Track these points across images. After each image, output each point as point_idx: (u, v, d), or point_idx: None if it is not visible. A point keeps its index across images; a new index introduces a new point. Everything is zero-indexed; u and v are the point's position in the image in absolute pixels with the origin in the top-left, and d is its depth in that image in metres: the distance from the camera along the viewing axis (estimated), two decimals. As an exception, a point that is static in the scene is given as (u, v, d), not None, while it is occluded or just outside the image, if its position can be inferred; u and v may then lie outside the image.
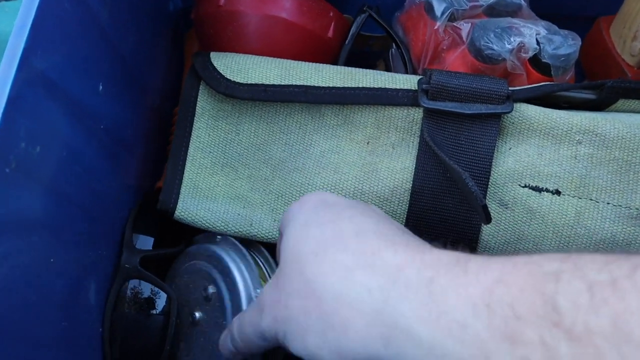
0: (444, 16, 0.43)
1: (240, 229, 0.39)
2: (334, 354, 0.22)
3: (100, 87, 0.33)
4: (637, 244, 0.37)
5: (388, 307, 0.20)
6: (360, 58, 0.53)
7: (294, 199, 0.38)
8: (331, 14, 0.45)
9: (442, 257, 0.21)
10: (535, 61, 0.41)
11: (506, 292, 0.17)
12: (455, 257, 0.20)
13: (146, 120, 0.42)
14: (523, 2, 0.43)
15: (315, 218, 0.26)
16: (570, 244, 0.37)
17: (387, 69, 0.52)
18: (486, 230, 0.37)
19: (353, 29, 0.46)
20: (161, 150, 0.42)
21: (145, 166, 0.42)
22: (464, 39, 0.43)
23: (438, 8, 0.43)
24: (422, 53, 0.45)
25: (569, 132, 0.37)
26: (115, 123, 0.36)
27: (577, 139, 0.37)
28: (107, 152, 0.35)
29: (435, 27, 0.43)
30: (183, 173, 0.39)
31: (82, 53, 0.30)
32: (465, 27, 0.42)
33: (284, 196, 0.39)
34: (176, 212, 0.38)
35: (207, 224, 0.39)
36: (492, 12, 0.43)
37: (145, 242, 0.42)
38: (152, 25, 0.43)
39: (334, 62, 0.47)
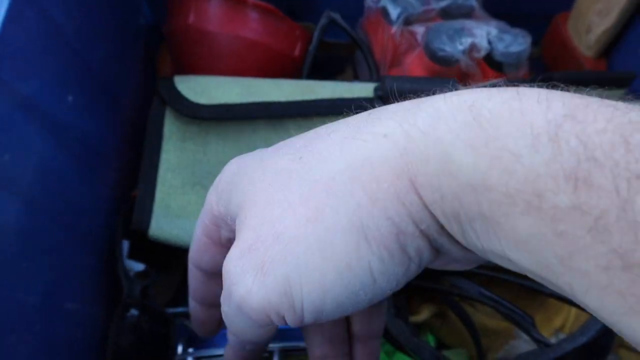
0: (399, 20, 0.46)
1: None
2: (372, 245, 0.17)
3: (70, 98, 0.35)
4: None
5: (411, 144, 0.17)
6: (328, 64, 0.56)
7: None
8: (297, 33, 0.48)
9: (477, 89, 0.17)
10: (489, 60, 0.45)
11: (579, 129, 0.14)
12: (498, 87, 0.17)
13: (120, 131, 0.44)
14: (475, 4, 0.47)
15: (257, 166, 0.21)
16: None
17: (355, 73, 0.56)
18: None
19: (315, 36, 0.49)
20: (137, 159, 0.44)
21: (120, 175, 0.44)
22: (420, 42, 0.46)
23: (393, 12, 0.47)
24: (382, 56, 0.48)
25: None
26: (87, 133, 0.38)
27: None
28: (80, 162, 0.37)
29: (392, 31, 0.47)
30: (154, 194, 0.41)
31: (49, 65, 0.33)
32: (420, 31, 0.46)
33: None
34: (150, 231, 0.40)
35: (180, 242, 0.41)
36: (446, 14, 0.47)
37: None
38: (122, 39, 0.46)
39: (301, 75, 0.50)
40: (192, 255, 0.25)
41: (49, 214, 0.33)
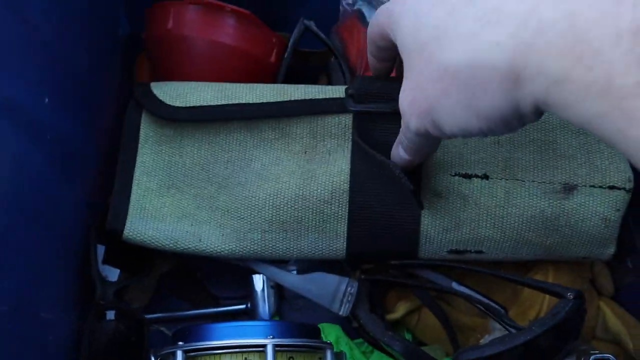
0: (376, 23, 0.48)
1: (189, 246, 0.42)
2: (483, 119, 0.25)
3: (46, 99, 0.36)
4: (564, 217, 0.41)
5: (518, 53, 0.22)
6: (303, 73, 0.58)
7: (239, 213, 0.42)
8: (274, 40, 0.50)
9: None
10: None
11: None
12: None
13: (97, 136, 0.45)
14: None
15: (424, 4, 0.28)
16: (504, 223, 0.41)
17: (330, 81, 0.58)
18: (425, 220, 0.41)
19: (291, 42, 0.51)
20: (113, 165, 0.45)
21: (97, 180, 0.45)
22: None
23: (369, 16, 0.49)
24: (358, 58, 0.50)
25: (489, 120, 0.42)
26: (64, 136, 0.39)
27: (496, 125, 0.42)
28: (56, 163, 0.38)
29: (368, 35, 0.48)
30: (130, 196, 0.42)
31: (26, 67, 0.34)
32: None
33: (229, 211, 0.42)
34: (124, 232, 0.42)
35: (156, 243, 0.42)
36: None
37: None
38: (101, 48, 0.47)
39: (276, 81, 0.52)
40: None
41: (23, 213, 0.34)
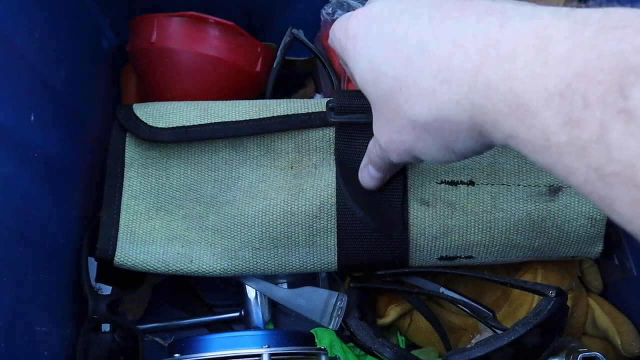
0: (355, 32, 0.49)
1: (181, 267, 0.43)
2: (459, 155, 0.27)
3: (32, 117, 0.37)
4: (551, 218, 0.42)
5: (476, 110, 0.24)
6: (290, 79, 0.58)
7: (229, 231, 0.43)
8: (259, 50, 0.50)
9: (516, 39, 0.22)
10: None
11: (583, 86, 0.19)
12: (537, 41, 0.21)
13: (85, 151, 0.46)
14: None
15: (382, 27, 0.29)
16: (492, 228, 0.42)
17: (317, 86, 0.58)
18: (414, 229, 0.42)
19: (280, 51, 0.51)
20: (103, 178, 0.45)
21: (86, 194, 0.46)
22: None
23: (350, 24, 0.49)
24: (341, 68, 0.51)
25: (473, 126, 0.43)
26: (51, 152, 0.40)
27: (480, 131, 0.43)
28: (43, 180, 0.39)
29: (350, 44, 0.49)
30: (119, 221, 0.43)
31: (10, 86, 0.34)
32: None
33: (219, 230, 0.43)
34: (115, 258, 0.42)
35: (147, 267, 0.42)
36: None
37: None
38: (86, 61, 0.47)
39: (263, 90, 0.52)
40: None
41: (12, 231, 0.35)
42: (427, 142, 0.28)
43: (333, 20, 0.49)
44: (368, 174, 0.39)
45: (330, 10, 0.49)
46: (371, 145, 0.37)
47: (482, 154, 0.28)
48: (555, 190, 0.42)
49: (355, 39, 0.31)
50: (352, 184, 0.41)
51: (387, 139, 0.31)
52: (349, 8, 0.49)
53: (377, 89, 0.30)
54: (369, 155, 0.38)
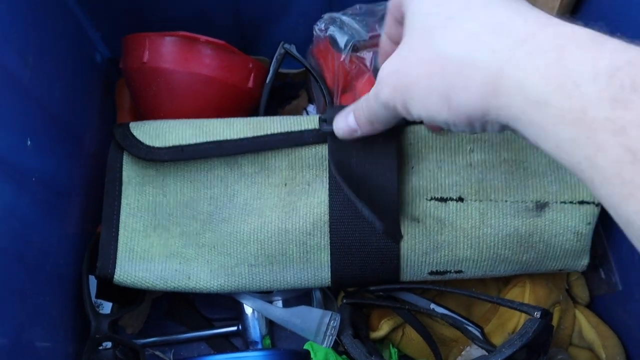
0: (347, 48, 0.50)
1: (179, 284, 0.44)
2: (453, 112, 0.27)
3: (29, 142, 0.37)
4: (538, 233, 0.43)
5: (509, 65, 0.24)
6: (283, 91, 0.59)
7: (225, 248, 0.44)
8: (251, 66, 0.51)
9: (576, 31, 0.23)
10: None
11: (634, 72, 0.20)
12: (591, 35, 0.23)
13: (82, 168, 0.46)
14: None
15: None
16: (480, 243, 0.43)
17: (309, 97, 0.59)
18: (405, 245, 0.43)
19: (272, 68, 0.52)
20: (101, 194, 0.46)
21: (85, 211, 0.47)
22: (369, 67, 0.49)
23: (341, 41, 0.50)
24: (334, 82, 0.51)
25: (461, 143, 0.44)
26: (49, 174, 0.40)
27: (468, 148, 0.44)
28: (42, 203, 0.39)
29: (342, 59, 0.50)
30: (117, 239, 0.44)
31: (6, 112, 0.35)
32: (368, 56, 0.49)
33: (216, 247, 0.44)
34: (115, 276, 0.43)
35: (146, 284, 0.43)
36: (391, 39, 0.50)
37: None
38: (80, 77, 0.48)
39: (257, 105, 0.53)
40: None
41: (13, 256, 0.36)
42: (432, 82, 0.28)
43: (325, 37, 0.50)
44: (345, 122, 0.38)
45: (322, 27, 0.50)
46: (363, 97, 0.36)
47: (471, 128, 0.28)
48: (542, 206, 0.43)
49: None
50: (357, 189, 0.41)
51: (395, 69, 0.30)
52: (342, 24, 0.50)
53: (425, 22, 0.29)
54: (355, 105, 0.37)
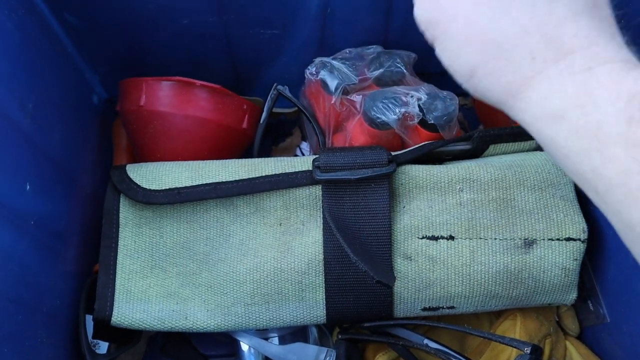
0: (338, 91, 0.51)
1: (176, 324, 0.44)
2: (470, 85, 0.27)
3: (28, 186, 0.38)
4: (527, 270, 0.44)
5: (538, 77, 0.25)
6: (277, 129, 0.61)
7: (221, 288, 0.45)
8: (245, 107, 0.53)
9: (610, 57, 0.24)
10: (423, 123, 0.50)
11: None
12: (622, 64, 0.23)
13: (80, 209, 0.47)
14: (406, 72, 0.52)
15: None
16: (471, 280, 0.45)
17: (302, 135, 0.61)
18: (398, 283, 0.44)
19: (266, 108, 0.54)
20: (98, 234, 0.47)
21: (82, 251, 0.47)
22: (359, 109, 0.51)
23: (331, 84, 0.52)
24: (326, 122, 0.53)
25: (451, 182, 0.45)
26: (47, 216, 0.41)
27: (458, 187, 0.45)
28: (41, 245, 0.40)
29: (332, 102, 0.52)
30: (115, 281, 0.45)
31: (5, 159, 0.36)
32: (357, 99, 0.51)
33: (212, 287, 0.45)
34: (112, 318, 0.44)
35: (144, 325, 0.44)
36: (380, 82, 0.52)
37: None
38: (78, 119, 0.49)
39: (251, 144, 0.55)
40: None
41: (11, 300, 0.36)
42: (470, 43, 0.27)
43: (317, 80, 0.52)
44: None
45: (314, 70, 0.52)
46: None
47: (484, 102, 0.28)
48: (530, 243, 0.45)
49: None
50: (351, 241, 0.42)
51: (451, 17, 0.28)
52: (332, 69, 0.51)
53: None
54: None
